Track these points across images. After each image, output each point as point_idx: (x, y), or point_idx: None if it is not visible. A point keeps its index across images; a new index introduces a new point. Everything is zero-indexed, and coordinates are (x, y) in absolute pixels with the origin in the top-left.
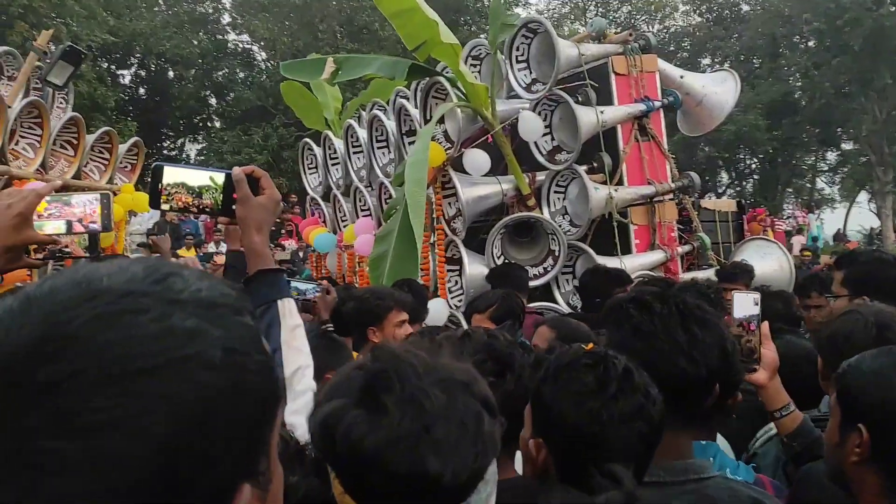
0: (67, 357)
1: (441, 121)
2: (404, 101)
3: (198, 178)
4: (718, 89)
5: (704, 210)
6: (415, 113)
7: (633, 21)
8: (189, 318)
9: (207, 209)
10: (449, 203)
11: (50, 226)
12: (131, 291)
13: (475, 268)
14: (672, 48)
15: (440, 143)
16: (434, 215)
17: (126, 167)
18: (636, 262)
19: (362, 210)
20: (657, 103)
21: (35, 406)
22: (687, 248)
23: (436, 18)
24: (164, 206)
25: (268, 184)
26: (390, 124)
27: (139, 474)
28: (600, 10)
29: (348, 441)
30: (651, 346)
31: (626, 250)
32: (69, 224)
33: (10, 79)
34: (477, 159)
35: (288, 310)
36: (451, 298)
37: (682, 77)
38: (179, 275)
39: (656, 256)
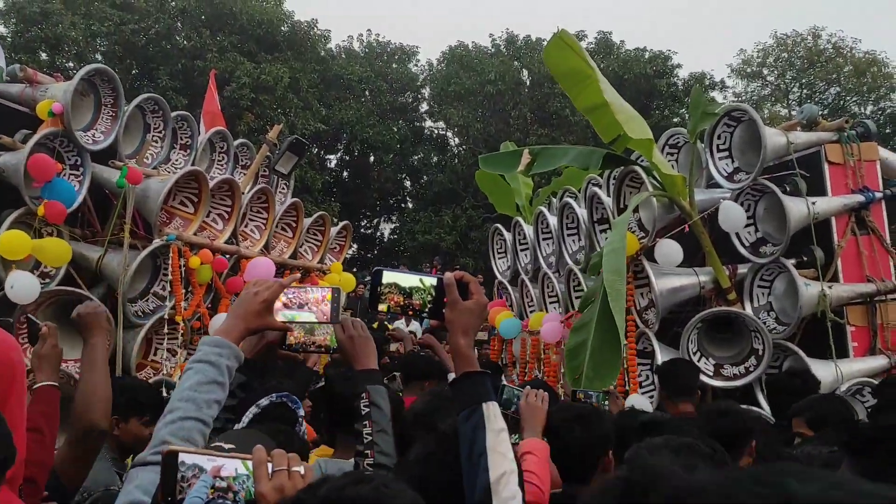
0: None
1: (635, 209)
2: (597, 189)
3: (409, 280)
4: None
5: None
6: (607, 201)
7: (842, 103)
8: None
9: (416, 309)
10: (641, 294)
11: (302, 316)
12: None
13: None
14: (889, 131)
15: (633, 232)
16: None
17: (335, 248)
18: (853, 368)
19: (550, 296)
20: (878, 194)
21: None
22: None
23: (631, 112)
24: (380, 307)
25: (476, 289)
26: (581, 212)
27: None
28: (804, 91)
29: None
30: None
31: (843, 354)
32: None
33: (243, 167)
34: (669, 250)
35: (493, 413)
36: (642, 393)
37: None
38: None
39: (878, 363)
